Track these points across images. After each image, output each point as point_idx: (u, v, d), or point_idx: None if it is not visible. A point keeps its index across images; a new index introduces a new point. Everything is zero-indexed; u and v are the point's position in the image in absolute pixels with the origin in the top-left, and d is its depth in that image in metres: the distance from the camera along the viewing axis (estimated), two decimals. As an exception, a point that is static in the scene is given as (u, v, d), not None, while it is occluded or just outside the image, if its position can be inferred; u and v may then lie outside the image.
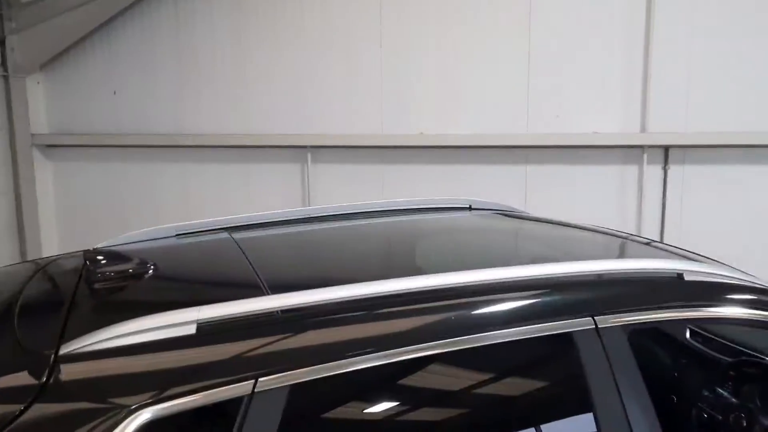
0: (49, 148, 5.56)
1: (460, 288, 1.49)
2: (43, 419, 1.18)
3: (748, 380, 2.14)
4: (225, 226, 2.28)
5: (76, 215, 5.63)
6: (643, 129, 4.76)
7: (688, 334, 2.49)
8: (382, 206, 2.63)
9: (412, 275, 1.51)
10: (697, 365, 2.47)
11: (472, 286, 1.50)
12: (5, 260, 5.46)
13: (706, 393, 2.18)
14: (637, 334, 1.61)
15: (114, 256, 1.77)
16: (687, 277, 1.68)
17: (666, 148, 4.76)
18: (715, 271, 1.77)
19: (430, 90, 4.98)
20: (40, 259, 2.14)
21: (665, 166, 4.78)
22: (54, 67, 5.43)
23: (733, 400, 2.12)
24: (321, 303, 1.40)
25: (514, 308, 1.49)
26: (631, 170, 4.85)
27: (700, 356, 2.54)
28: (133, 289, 1.65)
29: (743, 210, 4.72)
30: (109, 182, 5.53)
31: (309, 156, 5.13)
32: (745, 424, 2.01)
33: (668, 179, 4.78)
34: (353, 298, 1.41)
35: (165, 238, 2.18)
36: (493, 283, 1.52)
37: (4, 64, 5.17)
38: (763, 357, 2.15)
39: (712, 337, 2.57)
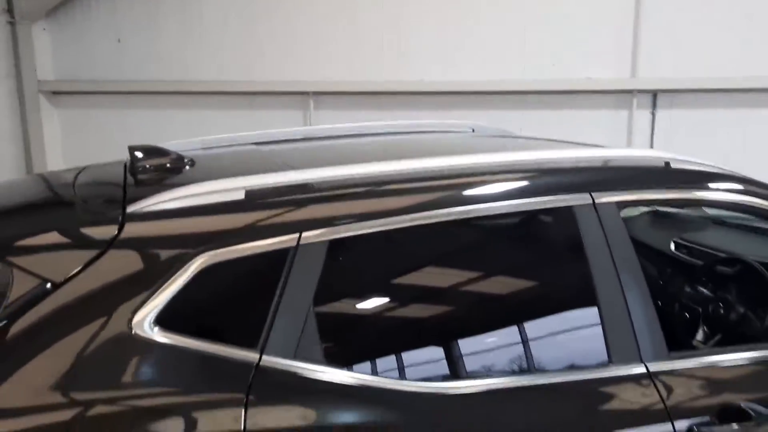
0: (55, 95, 5.67)
1: (480, 166, 1.71)
2: (117, 262, 1.38)
3: (726, 276, 2.38)
4: (244, 142, 2.45)
5: (82, 162, 5.77)
6: (633, 74, 4.97)
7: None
8: (387, 127, 2.78)
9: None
10: (680, 264, 2.72)
11: (491, 165, 1.72)
12: (16, 204, 5.62)
13: (688, 287, 2.44)
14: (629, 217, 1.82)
15: (156, 150, 1.92)
16: (673, 165, 1.89)
17: (654, 93, 4.97)
18: (698, 161, 1.97)
19: (431, 38, 5.15)
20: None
21: (653, 110, 5.00)
22: (59, 14, 5.52)
23: (712, 294, 2.37)
24: (348, 176, 1.61)
25: (525, 183, 1.72)
26: (622, 115, 5.07)
27: (684, 256, 2.79)
28: (178, 173, 1.84)
29: (728, 153, 4.94)
30: (115, 129, 5.67)
31: (311, 102, 5.29)
32: (722, 312, 2.26)
33: (656, 123, 5.00)
34: (376, 174, 1.63)
35: (191, 150, 2.34)
36: (507, 164, 1.73)
37: (10, 11, 5.25)
38: (741, 256, 2.39)
39: (693, 244, 2.81)
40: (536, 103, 5.14)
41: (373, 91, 5.17)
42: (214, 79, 5.43)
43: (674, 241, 2.94)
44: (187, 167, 1.88)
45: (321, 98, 5.32)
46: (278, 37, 5.30)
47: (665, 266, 2.72)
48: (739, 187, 1.91)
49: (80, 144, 5.77)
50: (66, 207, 1.63)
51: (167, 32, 5.44)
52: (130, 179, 1.78)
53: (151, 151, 1.86)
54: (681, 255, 2.85)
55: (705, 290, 2.42)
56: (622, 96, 5.02)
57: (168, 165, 1.85)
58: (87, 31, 5.55)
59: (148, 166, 1.82)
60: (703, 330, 2.26)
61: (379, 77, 5.21)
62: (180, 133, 5.50)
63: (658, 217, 3.31)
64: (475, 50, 5.12)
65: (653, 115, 4.97)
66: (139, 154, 1.84)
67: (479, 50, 5.11)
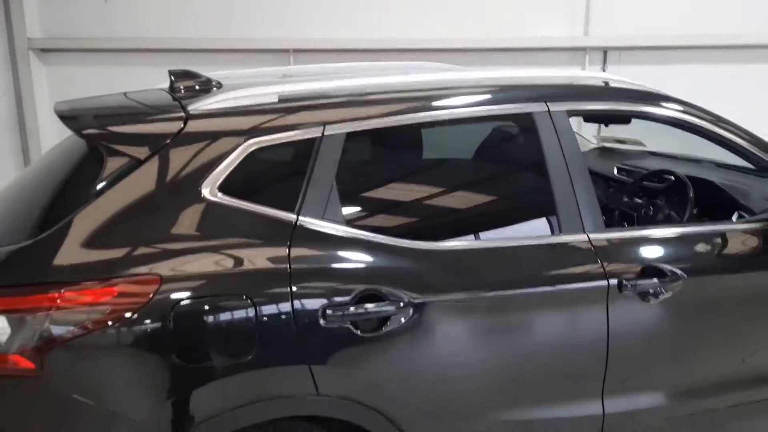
0: (44, 52, 5.90)
1: (463, 80, 2.18)
2: (184, 146, 1.81)
3: (655, 189, 2.93)
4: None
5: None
6: (586, 33, 5.47)
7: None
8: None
9: None
10: (620, 182, 3.27)
11: (472, 80, 2.20)
12: (10, 156, 5.89)
13: (626, 197, 2.98)
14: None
15: (189, 73, 2.31)
16: (611, 84, 2.38)
17: (605, 51, 5.49)
18: (640, 84, 2.46)
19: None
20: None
21: (604, 66, 5.52)
22: (47, -29, 5.74)
23: (644, 200, 2.92)
24: (358, 86, 2.07)
25: (499, 94, 2.20)
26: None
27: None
28: (207, 92, 2.21)
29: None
30: (103, 86, 5.90)
31: (291, 59, 5.66)
32: (651, 212, 2.79)
33: (606, 78, 5.51)
34: (379, 84, 2.10)
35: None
36: (483, 79, 2.21)
37: (-1, -31, 5.45)
38: (669, 169, 2.93)
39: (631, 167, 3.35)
40: (497, 60, 5.60)
41: (352, 48, 5.56)
42: (196, 36, 5.74)
43: (617, 167, 3.50)
44: (215, 88, 2.29)
45: (301, 56, 5.69)
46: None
47: (608, 184, 3.27)
48: (678, 106, 2.40)
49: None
50: (140, 110, 2.02)
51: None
52: (174, 95, 2.18)
53: (186, 74, 2.24)
54: (621, 176, 3.40)
55: (638, 199, 2.97)
56: (576, 53, 5.53)
57: (197, 86, 2.23)
58: (74, -11, 5.78)
59: (184, 85, 2.21)
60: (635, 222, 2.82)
61: (358, 35, 5.60)
62: (166, 88, 5.82)
63: (604, 151, 3.87)
64: (444, 9, 5.55)
65: (604, 71, 5.49)
66: (175, 77, 2.23)
67: (448, 10, 5.55)
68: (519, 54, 5.56)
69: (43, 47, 5.86)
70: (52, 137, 6.02)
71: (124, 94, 2.30)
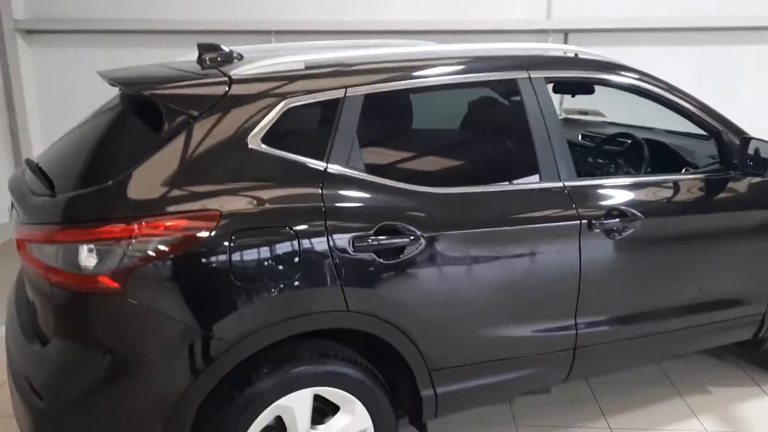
0: (29, 34, 6.06)
1: (459, 51, 2.57)
2: (231, 105, 2.15)
3: (615, 151, 3.39)
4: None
5: (54, 100, 6.23)
6: (548, 15, 5.92)
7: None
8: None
9: None
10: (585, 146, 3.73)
11: (469, 50, 2.60)
12: (-1, 135, 6.06)
13: (590, 157, 3.43)
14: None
15: (214, 47, 2.62)
16: (580, 56, 2.80)
17: (566, 33, 5.94)
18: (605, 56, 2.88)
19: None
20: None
21: (565, 47, 5.97)
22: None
23: (606, 159, 3.37)
24: (373, 56, 2.43)
25: (490, 63, 2.61)
26: (539, 51, 6.01)
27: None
28: (229, 63, 2.50)
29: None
30: (87, 67, 6.11)
31: (273, 40, 5.95)
32: (613, 170, 3.24)
33: (567, 58, 5.97)
34: (390, 54, 2.48)
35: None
36: (476, 50, 2.61)
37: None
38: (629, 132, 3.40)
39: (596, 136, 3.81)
40: (462, 41, 5.98)
41: (332, 30, 5.89)
42: (180, 18, 5.98)
43: (581, 134, 3.96)
44: (236, 60, 2.62)
45: (282, 36, 5.98)
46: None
47: (574, 149, 3.72)
48: (636, 74, 2.84)
49: (53, 82, 6.20)
50: (188, 76, 2.34)
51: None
52: (206, 64, 2.50)
53: (211, 47, 2.55)
54: (585, 142, 3.86)
55: (601, 160, 3.42)
56: (540, 35, 5.96)
57: (220, 58, 2.54)
58: (59, -29, 5.95)
59: (210, 57, 2.52)
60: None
61: (331, 17, 5.92)
62: (150, 69, 6.05)
63: (568, 122, 4.33)
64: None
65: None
66: (202, 49, 2.55)
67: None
68: (483, 36, 5.95)
69: (28, 28, 6.02)
70: (37, 121, 6.21)
71: (161, 64, 2.62)
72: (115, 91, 2.63)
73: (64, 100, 6.20)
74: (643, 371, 3.55)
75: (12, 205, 2.44)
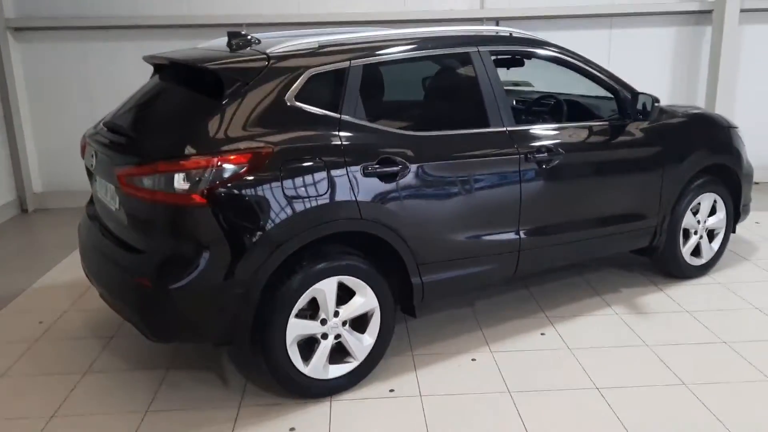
0: (17, 31, 6.61)
1: (427, 33, 3.48)
2: (272, 74, 3.00)
3: (544, 110, 4.38)
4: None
5: (44, 96, 6.81)
6: (482, 6, 6.91)
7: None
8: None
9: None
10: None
11: (437, 32, 3.54)
12: (-6, 126, 6.60)
13: (525, 114, 4.42)
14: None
15: (236, 33, 3.47)
16: (514, 34, 3.76)
17: (497, 21, 6.94)
18: (534, 35, 3.86)
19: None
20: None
21: (497, 33, 6.97)
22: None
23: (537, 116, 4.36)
24: (366, 36, 3.32)
25: (453, 40, 3.59)
26: (476, 37, 6.99)
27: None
28: (247, 46, 3.38)
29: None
30: (74, 63, 6.73)
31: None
32: (541, 120, 4.21)
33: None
34: (383, 35, 3.40)
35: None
36: (440, 32, 3.54)
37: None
38: (552, 94, 4.40)
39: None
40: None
41: (298, 22, 6.69)
42: (159, 14, 6.66)
43: (515, 100, 4.96)
44: (254, 44, 3.44)
45: (252, 29, 6.70)
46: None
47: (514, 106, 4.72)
48: (557, 48, 3.84)
49: (41, 78, 6.77)
50: (231, 53, 3.19)
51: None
52: (236, 47, 3.33)
53: (236, 35, 3.40)
54: (519, 106, 4.86)
55: (532, 115, 4.42)
56: (475, 23, 6.92)
57: (240, 42, 3.39)
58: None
59: (234, 42, 3.37)
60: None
61: (295, 11, 6.74)
62: (133, 63, 6.69)
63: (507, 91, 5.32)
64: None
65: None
66: (231, 36, 3.38)
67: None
68: (422, 25, 6.84)
69: (16, 26, 6.57)
70: (27, 117, 6.79)
71: (201, 48, 3.46)
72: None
73: (53, 93, 6.80)
74: (570, 281, 4.60)
75: (94, 154, 3.23)
